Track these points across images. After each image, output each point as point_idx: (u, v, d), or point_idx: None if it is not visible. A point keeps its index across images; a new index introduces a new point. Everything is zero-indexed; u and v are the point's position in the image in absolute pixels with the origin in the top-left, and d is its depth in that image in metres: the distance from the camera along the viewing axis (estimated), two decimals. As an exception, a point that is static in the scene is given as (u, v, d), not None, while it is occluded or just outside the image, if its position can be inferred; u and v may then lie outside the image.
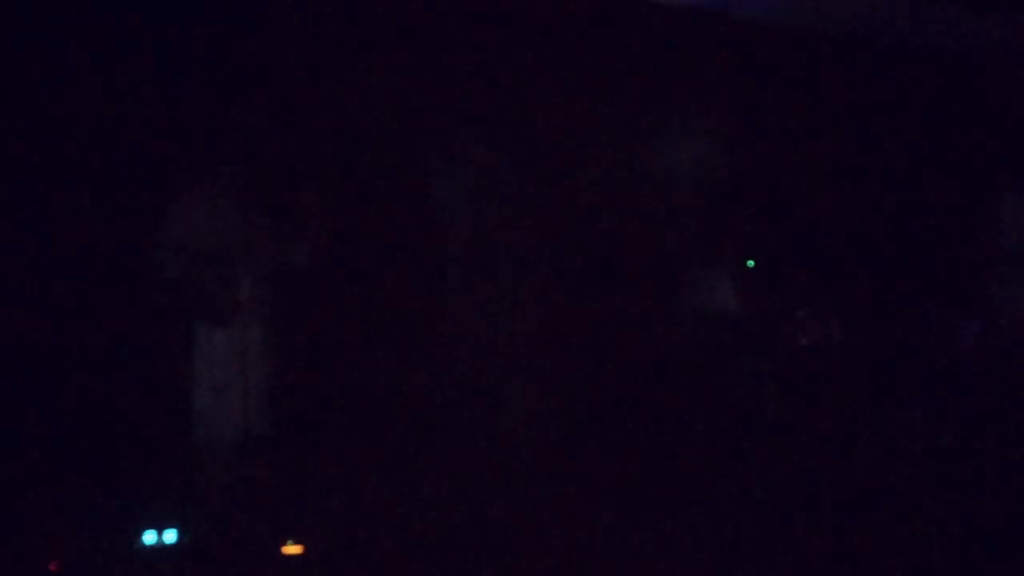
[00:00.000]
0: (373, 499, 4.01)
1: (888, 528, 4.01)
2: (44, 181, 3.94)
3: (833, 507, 4.23)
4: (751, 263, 5.62)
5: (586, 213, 5.02)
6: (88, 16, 4.05)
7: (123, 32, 4.11)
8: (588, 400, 4.77)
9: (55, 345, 3.82)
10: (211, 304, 3.87)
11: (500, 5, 4.52)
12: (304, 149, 4.32)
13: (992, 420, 4.99)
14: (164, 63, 4.14)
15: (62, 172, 3.97)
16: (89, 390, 3.83)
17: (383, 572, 3.64)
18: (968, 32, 5.40)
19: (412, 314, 4.40)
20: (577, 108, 4.87)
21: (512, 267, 4.40)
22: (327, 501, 3.95)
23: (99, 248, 3.92)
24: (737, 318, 5.51)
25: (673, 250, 5.42)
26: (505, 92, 4.67)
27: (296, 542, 3.70)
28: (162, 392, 3.82)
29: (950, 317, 5.50)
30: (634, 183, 5.16)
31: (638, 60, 4.92)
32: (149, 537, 3.61)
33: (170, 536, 3.63)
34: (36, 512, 3.58)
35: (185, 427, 3.79)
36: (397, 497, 4.02)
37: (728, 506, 4.25)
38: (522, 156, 4.45)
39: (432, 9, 4.49)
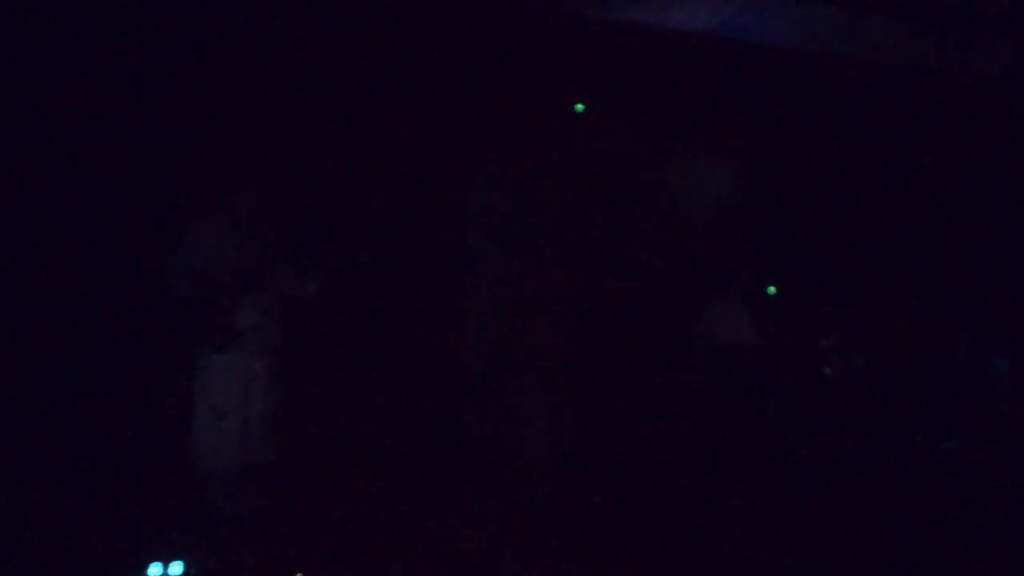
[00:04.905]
0: (383, 530, 3.93)
1: (917, 560, 3.91)
2: (49, 197, 3.93)
3: (859, 537, 4.13)
4: (772, 289, 5.54)
5: (608, 240, 4.97)
6: (107, 34, 4.06)
7: (143, 56, 4.11)
8: (613, 440, 4.69)
9: (63, 375, 3.79)
10: (221, 331, 3.82)
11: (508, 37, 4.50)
12: (320, 179, 4.30)
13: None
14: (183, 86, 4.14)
15: (70, 188, 3.96)
16: (95, 422, 3.79)
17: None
18: (993, 58, 5.34)
19: (423, 337, 4.35)
20: (599, 135, 4.84)
21: (532, 293, 4.34)
22: (336, 533, 3.88)
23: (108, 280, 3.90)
24: (759, 346, 5.42)
25: (696, 277, 5.35)
26: (523, 119, 4.64)
27: (305, 575, 3.63)
28: (169, 423, 3.76)
29: (982, 348, 5.40)
30: (656, 210, 5.12)
31: (663, 87, 4.89)
32: (155, 570, 3.55)
33: (176, 569, 3.57)
34: (42, 545, 3.53)
35: (192, 458, 3.73)
36: (408, 528, 3.95)
37: (749, 535, 4.16)
38: (543, 185, 4.41)
39: (452, 44, 4.48)
